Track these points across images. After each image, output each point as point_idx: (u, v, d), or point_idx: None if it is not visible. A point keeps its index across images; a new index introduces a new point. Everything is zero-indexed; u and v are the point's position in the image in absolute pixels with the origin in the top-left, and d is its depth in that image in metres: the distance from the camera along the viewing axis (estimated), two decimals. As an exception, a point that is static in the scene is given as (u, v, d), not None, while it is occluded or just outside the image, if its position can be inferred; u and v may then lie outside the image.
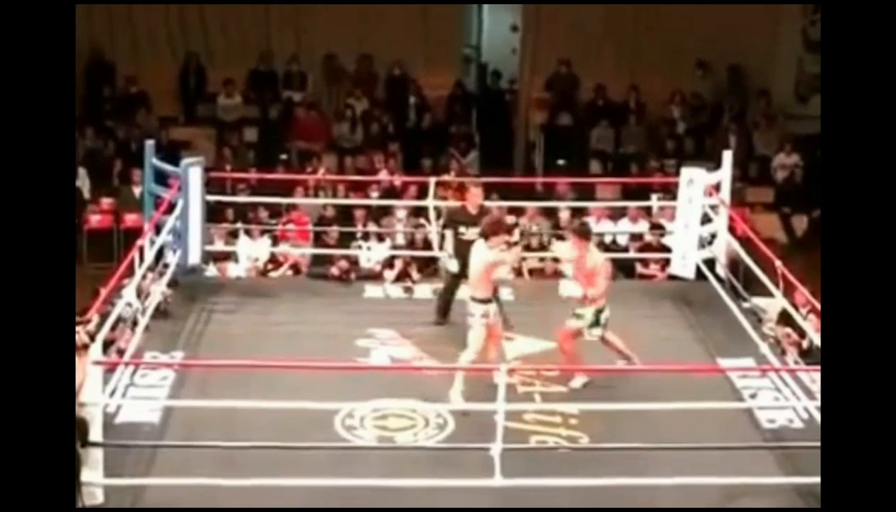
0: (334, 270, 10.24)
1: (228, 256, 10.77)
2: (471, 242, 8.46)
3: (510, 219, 10.18)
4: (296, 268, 10.83)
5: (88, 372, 6.09)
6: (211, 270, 10.46)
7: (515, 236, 7.94)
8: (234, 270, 10.74)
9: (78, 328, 5.79)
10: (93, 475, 6.20)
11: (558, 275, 10.94)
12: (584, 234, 7.99)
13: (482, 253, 7.63)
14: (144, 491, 6.38)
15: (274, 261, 10.89)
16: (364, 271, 10.55)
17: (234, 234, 11.15)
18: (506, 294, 9.47)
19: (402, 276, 10.27)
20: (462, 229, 8.64)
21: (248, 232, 11.16)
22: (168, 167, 9.87)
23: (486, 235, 7.64)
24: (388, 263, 10.62)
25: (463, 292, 8.88)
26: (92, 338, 6.20)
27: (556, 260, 11.12)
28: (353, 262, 10.62)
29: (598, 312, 7.88)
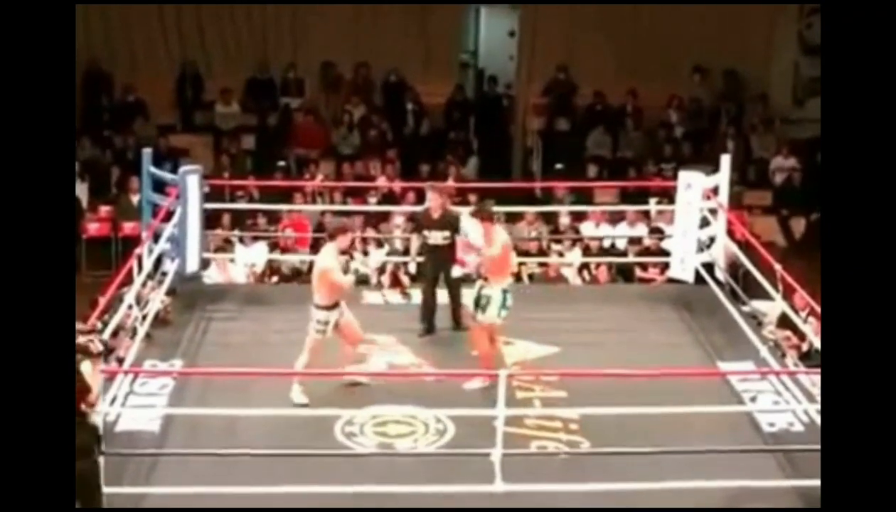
0: None
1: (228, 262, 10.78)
2: (435, 246, 8.71)
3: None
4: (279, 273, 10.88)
5: (101, 379, 6.06)
6: (212, 271, 10.44)
7: (355, 262, 7.88)
8: (231, 273, 10.74)
9: (92, 336, 5.81)
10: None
11: (560, 279, 11.01)
12: (488, 215, 7.94)
13: (320, 258, 7.72)
14: (145, 499, 6.37)
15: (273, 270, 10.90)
16: (358, 277, 10.57)
17: (232, 242, 11.16)
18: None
19: (394, 283, 10.26)
20: (426, 233, 8.83)
21: (241, 240, 11.16)
22: (166, 175, 9.86)
23: (331, 236, 7.76)
24: (382, 269, 10.62)
25: (444, 296, 8.94)
26: (105, 345, 6.18)
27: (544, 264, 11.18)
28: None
29: (505, 292, 7.82)
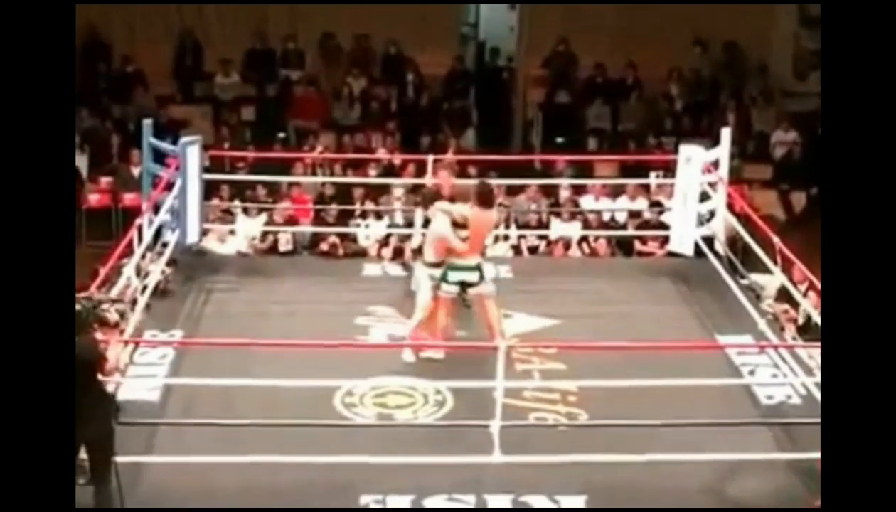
0: (323, 246, 10.34)
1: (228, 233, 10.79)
2: None
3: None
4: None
5: (120, 348, 6.08)
6: (211, 241, 10.44)
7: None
8: (231, 245, 10.74)
9: (107, 306, 5.82)
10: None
11: (560, 253, 11.02)
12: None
13: (435, 223, 8.05)
14: (144, 469, 6.39)
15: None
16: (356, 249, 10.65)
17: (231, 213, 11.16)
18: (504, 271, 9.50)
19: (397, 255, 10.28)
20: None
21: (245, 210, 11.17)
22: (166, 146, 9.85)
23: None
24: (384, 241, 10.64)
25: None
26: (122, 316, 6.19)
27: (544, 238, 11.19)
28: (352, 239, 10.69)
29: (450, 268, 7.89)
